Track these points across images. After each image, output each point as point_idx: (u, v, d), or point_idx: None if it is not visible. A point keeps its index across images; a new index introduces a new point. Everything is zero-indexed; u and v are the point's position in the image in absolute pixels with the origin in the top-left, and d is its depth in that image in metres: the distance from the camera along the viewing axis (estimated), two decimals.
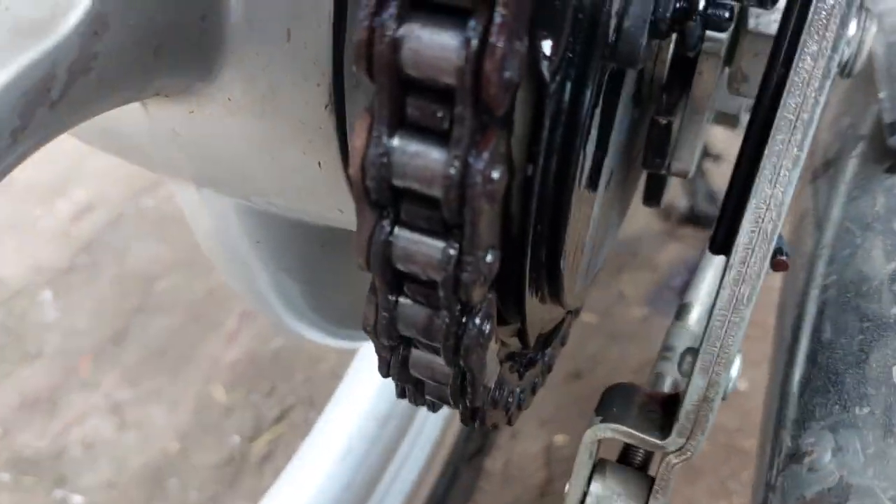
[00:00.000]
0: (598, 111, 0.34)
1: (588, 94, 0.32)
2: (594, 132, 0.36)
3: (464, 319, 0.33)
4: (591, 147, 0.36)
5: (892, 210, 0.48)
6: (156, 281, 1.72)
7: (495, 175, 0.28)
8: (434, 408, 0.44)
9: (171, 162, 0.50)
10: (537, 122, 0.32)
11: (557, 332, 0.58)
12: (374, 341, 0.36)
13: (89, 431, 1.42)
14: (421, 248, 0.31)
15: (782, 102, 0.32)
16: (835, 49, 0.32)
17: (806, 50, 0.32)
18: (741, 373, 0.40)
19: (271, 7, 0.36)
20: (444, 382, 0.38)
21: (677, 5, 0.33)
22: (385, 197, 0.30)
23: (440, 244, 0.30)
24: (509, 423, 0.49)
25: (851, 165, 0.59)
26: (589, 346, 1.57)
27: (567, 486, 0.45)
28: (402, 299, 0.34)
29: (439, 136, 0.28)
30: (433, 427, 1.07)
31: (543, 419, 1.37)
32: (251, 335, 1.59)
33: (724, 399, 0.39)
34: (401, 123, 0.29)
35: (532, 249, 0.37)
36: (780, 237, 0.40)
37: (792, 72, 0.32)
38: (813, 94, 0.32)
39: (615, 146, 0.42)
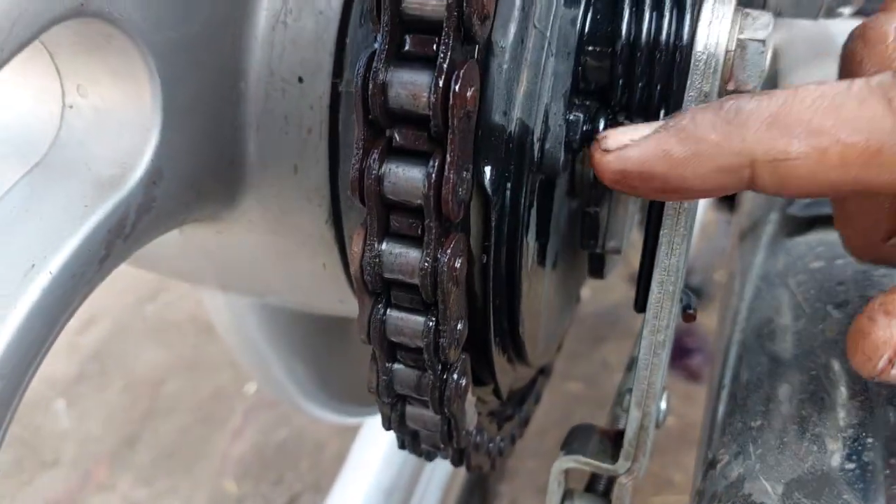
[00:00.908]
0: (533, 211, 0.45)
1: (523, 199, 0.43)
2: (533, 226, 0.47)
3: (445, 376, 0.43)
4: (532, 238, 0.47)
5: (788, 268, 0.59)
6: (162, 385, 1.80)
7: (457, 265, 0.39)
8: (429, 456, 0.53)
9: (200, 272, 0.60)
10: (487, 224, 0.43)
11: (531, 391, 0.68)
12: (377, 400, 0.46)
13: None
14: (408, 322, 0.41)
15: None
16: None
17: None
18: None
19: (281, 152, 0.47)
20: (434, 430, 0.47)
21: (584, 128, 0.45)
22: (379, 287, 0.41)
23: (421, 318, 0.41)
24: (493, 467, 0.58)
25: (767, 230, 0.71)
26: (577, 414, 1.65)
27: None
28: (396, 365, 0.44)
29: (415, 240, 0.39)
30: (434, 497, 1.15)
31: (541, 486, 1.44)
32: (256, 429, 1.67)
33: (657, 427, 0.49)
34: (387, 233, 0.40)
35: (495, 319, 0.48)
36: (688, 295, 0.51)
37: None
38: None
39: (557, 233, 0.53)
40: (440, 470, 1.15)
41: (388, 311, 0.42)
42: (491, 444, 0.57)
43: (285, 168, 0.48)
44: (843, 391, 0.46)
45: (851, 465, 0.38)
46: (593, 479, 0.56)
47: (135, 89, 0.41)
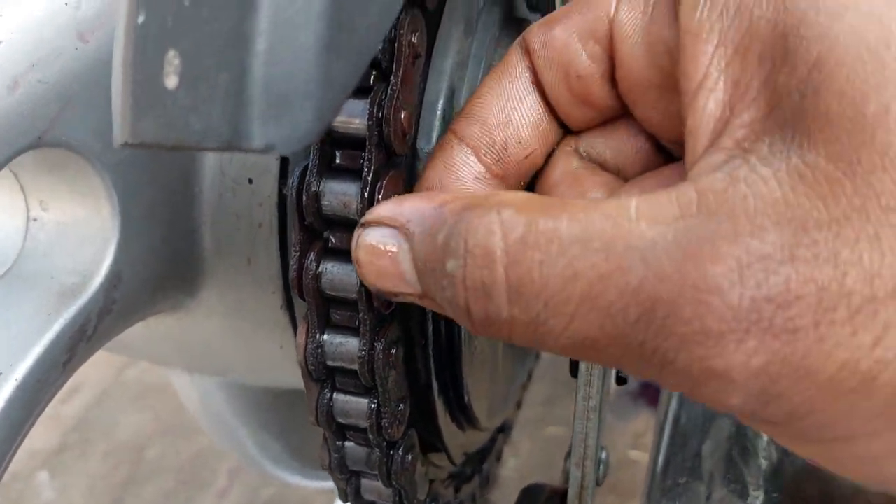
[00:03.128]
0: None
1: None
2: None
3: (391, 452, 0.46)
4: None
5: None
6: (145, 450, 1.81)
7: (393, 351, 0.43)
8: None
9: (165, 356, 0.63)
10: (423, 310, 0.46)
11: (491, 450, 0.71)
12: (331, 476, 0.49)
13: None
14: (352, 405, 0.45)
15: None
16: None
17: None
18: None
19: (235, 246, 0.51)
20: (388, 500, 0.50)
21: None
22: (323, 374, 0.44)
23: (364, 401, 0.44)
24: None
25: None
26: (559, 457, 1.67)
27: None
28: (346, 443, 0.48)
29: (353, 330, 0.43)
30: None
31: None
32: (241, 490, 1.67)
33: (599, 484, 0.53)
34: (328, 325, 0.43)
35: (442, 393, 0.51)
36: None
37: None
38: None
39: None
40: None
41: (335, 394, 0.45)
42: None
43: (239, 260, 0.52)
44: (764, 439, 0.49)
45: None
46: None
47: (93, 203, 0.45)
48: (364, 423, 0.44)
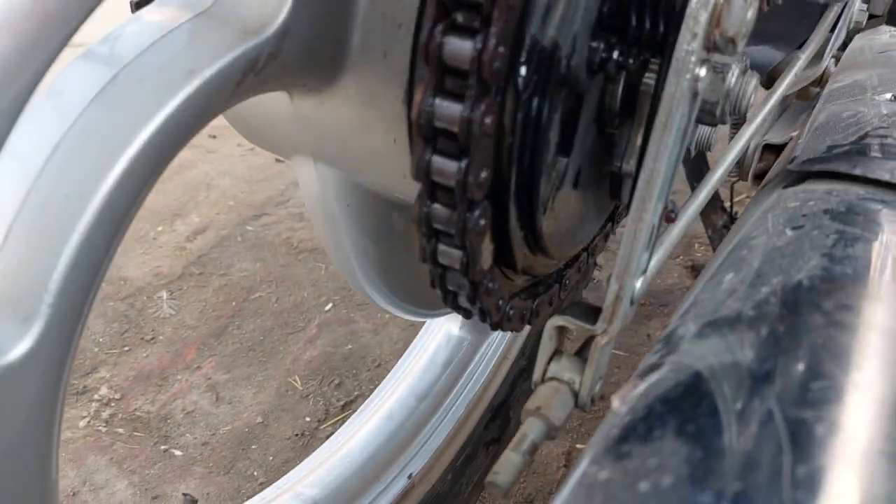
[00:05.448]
0: (557, 115, 0.58)
1: (548, 106, 0.56)
2: (555, 132, 0.59)
3: (468, 214, 0.57)
4: (554, 136, 0.59)
5: (774, 205, 0.70)
6: (252, 292, 2.00)
7: (487, 120, 0.53)
8: (467, 314, 0.67)
9: (300, 141, 0.76)
10: (514, 119, 0.55)
11: (574, 265, 0.81)
12: (418, 231, 0.60)
13: (190, 403, 1.68)
14: (447, 165, 0.55)
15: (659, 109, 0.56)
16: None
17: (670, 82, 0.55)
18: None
19: (377, 41, 0.62)
20: (456, 268, 0.61)
21: (602, 55, 0.57)
22: (429, 132, 0.54)
23: (457, 162, 0.54)
24: (528, 322, 0.72)
25: (774, 181, 0.81)
26: (616, 374, 1.76)
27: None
28: (434, 204, 0.58)
29: (460, 97, 0.53)
30: (458, 410, 1.29)
31: (568, 429, 1.56)
32: (327, 340, 1.84)
33: (632, 303, 0.61)
34: (440, 90, 0.53)
35: (516, 199, 0.60)
36: (672, 202, 0.63)
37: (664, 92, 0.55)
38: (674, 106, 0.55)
39: (580, 151, 0.65)
40: (468, 390, 1.29)
41: (434, 156, 0.55)
42: (524, 312, 0.70)
43: (377, 53, 0.63)
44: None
45: (752, 312, 0.49)
46: (582, 347, 0.68)
47: None
48: (453, 182, 0.55)
